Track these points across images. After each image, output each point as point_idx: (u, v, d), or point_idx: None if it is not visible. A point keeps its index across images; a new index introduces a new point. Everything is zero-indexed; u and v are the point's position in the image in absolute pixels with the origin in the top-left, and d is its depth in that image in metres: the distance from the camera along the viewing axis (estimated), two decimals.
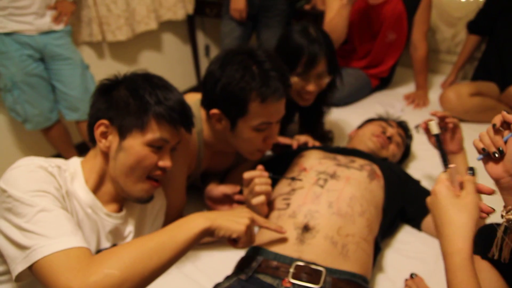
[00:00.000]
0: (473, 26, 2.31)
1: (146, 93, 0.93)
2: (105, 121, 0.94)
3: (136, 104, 0.92)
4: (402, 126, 1.64)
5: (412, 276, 1.14)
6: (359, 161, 1.28)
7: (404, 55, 2.41)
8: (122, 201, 1.02)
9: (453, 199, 0.73)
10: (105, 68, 2.67)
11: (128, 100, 0.93)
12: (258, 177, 1.11)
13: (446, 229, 0.71)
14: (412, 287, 1.11)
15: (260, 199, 1.10)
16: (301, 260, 0.99)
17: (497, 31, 2.15)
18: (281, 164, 1.39)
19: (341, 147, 1.50)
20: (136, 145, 0.91)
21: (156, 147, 0.94)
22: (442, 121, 1.29)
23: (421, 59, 2.29)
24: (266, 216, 1.15)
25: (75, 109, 2.20)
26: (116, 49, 2.68)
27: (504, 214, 0.77)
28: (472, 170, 0.77)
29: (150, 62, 2.96)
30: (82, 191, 0.92)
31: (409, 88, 2.49)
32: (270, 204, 1.16)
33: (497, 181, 0.79)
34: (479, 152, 0.81)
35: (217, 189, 1.32)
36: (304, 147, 1.46)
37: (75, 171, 0.94)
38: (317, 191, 1.13)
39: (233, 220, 0.89)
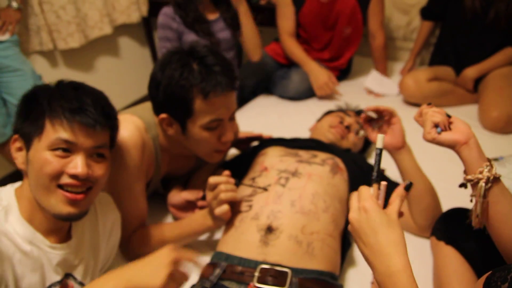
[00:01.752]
0: (426, 12, 2.35)
1: (45, 98, 0.84)
2: (16, 135, 0.86)
3: (33, 109, 0.84)
4: (358, 111, 1.66)
5: None
6: (321, 156, 1.27)
7: (362, 45, 2.44)
8: (67, 227, 0.92)
9: (384, 216, 0.70)
10: (59, 77, 2.54)
11: (29, 107, 0.84)
12: (224, 183, 1.07)
13: (386, 248, 0.67)
14: None
15: (224, 209, 1.06)
16: (266, 263, 0.97)
17: (449, 16, 2.19)
18: (242, 164, 1.37)
19: (302, 138, 1.48)
20: (37, 152, 0.81)
21: (61, 149, 0.81)
22: (377, 112, 1.22)
23: (380, 48, 2.32)
24: (229, 221, 1.12)
25: None
26: (69, 57, 2.58)
27: (471, 176, 0.82)
28: (409, 187, 0.76)
29: (107, 68, 2.87)
30: (19, 225, 0.82)
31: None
32: (232, 207, 1.13)
33: (455, 147, 0.87)
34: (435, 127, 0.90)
35: (179, 196, 1.29)
36: (265, 143, 1.43)
37: (8, 203, 0.83)
38: (278, 190, 1.11)
39: (149, 273, 0.73)
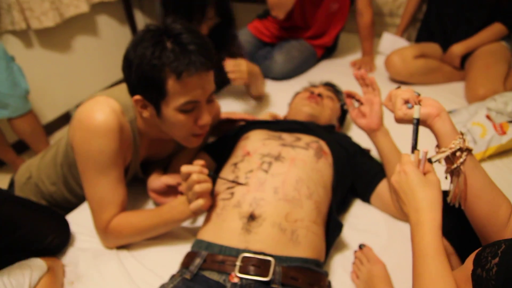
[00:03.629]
0: None
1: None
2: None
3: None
4: (327, 84, 1.65)
5: (360, 247, 1.14)
6: (306, 139, 1.23)
7: (348, 22, 2.38)
8: None
9: (422, 177, 0.77)
10: (35, 58, 2.47)
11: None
12: (197, 173, 1.02)
13: (418, 203, 0.75)
14: (362, 258, 1.10)
15: (198, 204, 1.03)
16: (249, 251, 0.94)
17: None
18: (225, 147, 1.33)
19: (286, 121, 1.44)
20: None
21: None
22: (352, 97, 1.26)
23: (367, 25, 2.25)
24: (210, 208, 1.08)
25: (4, 106, 2.04)
26: (44, 36, 2.47)
27: (445, 149, 0.83)
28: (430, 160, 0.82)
29: (85, 48, 2.77)
30: None
31: (355, 54, 2.47)
32: (213, 194, 1.10)
33: (427, 120, 0.87)
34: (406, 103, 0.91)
35: (159, 180, 1.24)
36: (248, 126, 1.39)
37: None
38: (261, 177, 1.07)
39: None
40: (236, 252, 0.94)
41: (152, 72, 0.97)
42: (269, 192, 1.03)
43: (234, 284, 0.89)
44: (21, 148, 2.42)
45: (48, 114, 2.64)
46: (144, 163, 1.31)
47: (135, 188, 1.35)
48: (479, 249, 0.72)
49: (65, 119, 2.71)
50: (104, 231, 1.12)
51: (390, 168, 1.17)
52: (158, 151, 1.31)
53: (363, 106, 1.22)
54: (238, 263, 0.91)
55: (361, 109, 1.23)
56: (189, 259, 0.97)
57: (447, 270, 0.68)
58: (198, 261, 0.94)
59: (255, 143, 1.21)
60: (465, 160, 0.81)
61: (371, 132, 1.20)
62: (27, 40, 2.41)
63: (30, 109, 2.16)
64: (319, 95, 1.49)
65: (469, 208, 0.84)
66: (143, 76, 0.99)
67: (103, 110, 1.05)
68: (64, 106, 2.72)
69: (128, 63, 1.00)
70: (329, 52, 2.44)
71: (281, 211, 1.00)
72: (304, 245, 0.98)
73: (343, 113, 1.62)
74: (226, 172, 1.16)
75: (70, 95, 2.73)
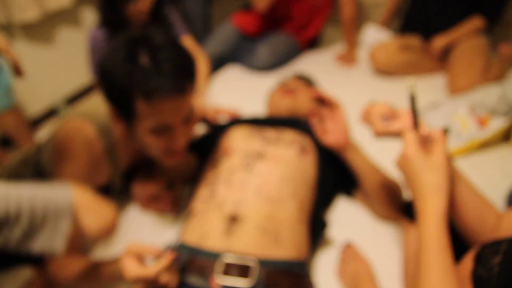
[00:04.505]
0: None
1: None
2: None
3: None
4: (299, 76, 1.62)
5: (346, 245, 1.12)
6: (289, 135, 1.20)
7: (334, 14, 2.37)
8: None
9: (425, 161, 0.75)
10: (18, 53, 2.43)
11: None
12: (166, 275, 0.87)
13: (423, 189, 0.73)
14: (347, 257, 1.09)
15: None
16: (231, 254, 0.91)
17: None
18: (207, 145, 1.31)
19: (269, 118, 1.41)
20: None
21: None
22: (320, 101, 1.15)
23: (350, 19, 2.23)
24: (191, 209, 1.06)
25: None
26: (27, 31, 2.44)
27: None
28: (446, 131, 0.79)
29: (70, 43, 2.74)
30: None
31: (338, 45, 2.47)
32: (194, 192, 1.08)
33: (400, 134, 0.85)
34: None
35: (143, 191, 1.21)
36: (231, 122, 1.37)
37: None
38: (243, 177, 1.04)
39: None
40: (217, 256, 0.91)
41: (121, 90, 0.89)
42: (251, 192, 1.01)
43: None
44: (7, 145, 2.40)
45: (33, 109, 2.62)
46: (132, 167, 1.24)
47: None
48: (478, 248, 0.71)
49: (50, 113, 2.69)
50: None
51: (368, 186, 1.13)
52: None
53: (327, 123, 1.13)
54: (220, 268, 0.88)
55: (325, 126, 1.14)
56: None
57: (450, 264, 0.67)
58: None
59: (237, 141, 1.18)
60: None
61: (341, 150, 1.12)
62: (10, 34, 2.38)
63: (13, 104, 2.14)
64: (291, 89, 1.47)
65: (456, 215, 0.82)
66: (112, 92, 0.92)
67: (73, 135, 0.99)
68: (49, 100, 2.70)
69: (100, 74, 0.92)
70: (313, 44, 2.44)
71: (264, 212, 0.98)
72: (287, 245, 0.96)
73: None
74: (208, 173, 1.13)
75: (55, 90, 2.70)
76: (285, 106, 1.42)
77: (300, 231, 1.01)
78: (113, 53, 0.89)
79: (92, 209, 0.75)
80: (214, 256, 0.91)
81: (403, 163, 0.77)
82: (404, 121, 0.87)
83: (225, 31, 2.23)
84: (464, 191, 0.81)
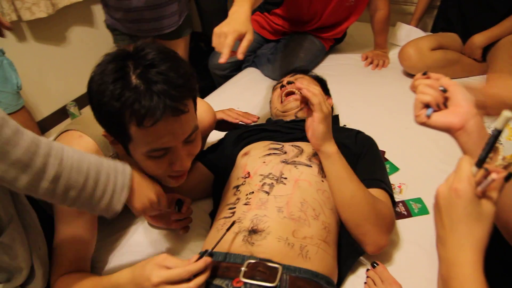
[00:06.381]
0: None
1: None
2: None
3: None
4: (294, 70, 1.57)
5: (373, 265, 1.04)
6: (307, 150, 1.11)
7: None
8: None
9: (476, 205, 0.60)
10: (28, 52, 2.35)
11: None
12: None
13: (463, 239, 0.61)
14: (375, 278, 1.01)
15: None
16: (255, 258, 0.87)
17: None
18: (221, 156, 1.23)
19: (283, 123, 1.33)
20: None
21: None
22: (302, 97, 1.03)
23: (383, 19, 2.08)
24: (211, 225, 1.03)
25: None
26: (37, 28, 2.35)
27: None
28: (508, 178, 0.61)
29: (81, 40, 2.64)
30: None
31: (366, 42, 2.32)
32: (215, 214, 1.04)
33: (449, 132, 0.75)
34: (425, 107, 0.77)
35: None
36: (248, 136, 1.26)
37: None
38: (263, 197, 0.98)
39: None
40: (241, 259, 0.87)
41: (112, 114, 0.80)
42: (272, 210, 0.94)
43: None
44: None
45: (43, 110, 2.53)
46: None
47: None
48: None
49: (61, 114, 2.60)
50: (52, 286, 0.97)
51: (337, 199, 1.01)
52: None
53: (308, 120, 1.02)
54: (244, 268, 0.84)
55: (308, 123, 1.03)
56: None
57: None
58: None
59: (255, 162, 1.10)
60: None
61: (319, 154, 1.03)
62: (19, 33, 2.28)
63: (23, 105, 2.06)
64: (289, 82, 1.41)
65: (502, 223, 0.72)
66: (103, 116, 0.84)
67: None
68: (60, 101, 2.61)
69: (89, 95, 0.84)
70: (338, 41, 2.30)
71: (287, 227, 0.91)
72: (314, 261, 0.90)
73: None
74: (228, 196, 1.07)
75: (66, 90, 2.61)
76: (289, 107, 1.37)
77: (327, 250, 0.94)
78: (102, 71, 0.80)
79: (140, 186, 0.89)
80: (238, 259, 0.88)
81: (446, 197, 0.62)
82: (449, 118, 0.73)
83: None
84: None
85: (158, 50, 0.82)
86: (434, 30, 2.14)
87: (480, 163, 0.61)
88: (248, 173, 1.07)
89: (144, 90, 0.77)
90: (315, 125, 0.99)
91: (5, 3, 2.08)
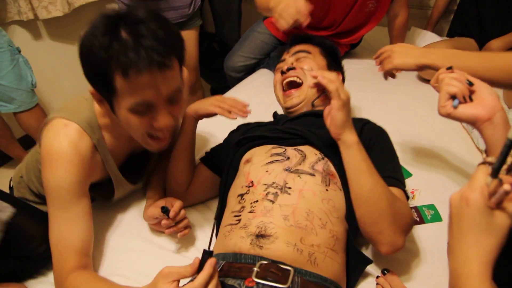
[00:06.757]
0: None
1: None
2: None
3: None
4: (296, 38, 1.44)
5: (384, 272, 1.01)
6: (309, 156, 1.07)
7: None
8: None
9: (486, 215, 0.58)
10: (43, 50, 2.38)
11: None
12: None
13: (470, 249, 0.59)
14: (384, 285, 0.99)
15: None
16: (266, 259, 0.87)
17: None
18: (224, 158, 1.21)
19: (282, 127, 1.21)
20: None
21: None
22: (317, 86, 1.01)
23: (402, 25, 2.06)
24: (218, 232, 1.02)
25: (10, 100, 1.97)
26: (53, 27, 2.37)
27: (491, 159, 0.60)
28: None
29: None
30: None
31: (381, 46, 2.26)
32: (221, 221, 1.04)
33: (475, 123, 0.76)
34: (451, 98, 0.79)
35: (146, 214, 1.16)
36: (248, 141, 1.20)
37: None
38: (267, 205, 0.97)
39: None
40: (253, 259, 0.88)
41: (98, 65, 0.85)
42: (278, 217, 0.93)
43: None
44: (29, 143, 2.34)
45: (57, 108, 2.56)
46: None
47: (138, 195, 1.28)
48: None
49: None
50: (61, 286, 0.97)
51: (354, 192, 0.97)
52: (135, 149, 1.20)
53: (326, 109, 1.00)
54: (256, 268, 0.85)
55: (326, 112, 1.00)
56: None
57: None
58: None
59: (257, 170, 1.08)
60: None
61: (338, 142, 1.00)
62: (35, 31, 2.31)
63: (37, 103, 2.08)
64: (289, 69, 1.29)
65: None
66: (91, 68, 0.88)
67: (59, 141, 0.97)
68: None
69: (80, 50, 0.89)
70: (353, 47, 2.27)
71: (294, 235, 0.90)
72: (322, 267, 0.89)
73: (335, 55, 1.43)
74: (233, 203, 1.06)
75: (80, 88, 2.62)
76: (296, 103, 1.27)
77: (335, 258, 0.93)
78: (94, 27, 0.86)
79: None
80: (249, 260, 0.88)
81: (457, 206, 0.61)
82: (476, 110, 0.73)
83: (260, 37, 2.10)
84: None
85: (149, 11, 0.87)
86: (450, 34, 2.12)
87: (495, 173, 0.58)
88: (252, 182, 1.06)
89: (132, 43, 0.82)
90: (334, 113, 0.95)
91: (23, 2, 2.11)
